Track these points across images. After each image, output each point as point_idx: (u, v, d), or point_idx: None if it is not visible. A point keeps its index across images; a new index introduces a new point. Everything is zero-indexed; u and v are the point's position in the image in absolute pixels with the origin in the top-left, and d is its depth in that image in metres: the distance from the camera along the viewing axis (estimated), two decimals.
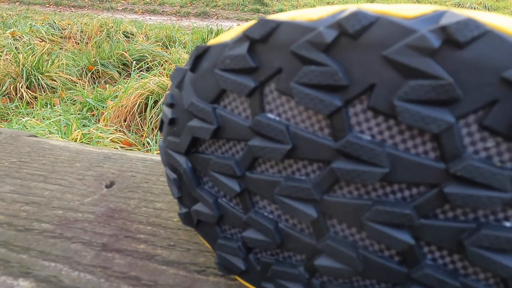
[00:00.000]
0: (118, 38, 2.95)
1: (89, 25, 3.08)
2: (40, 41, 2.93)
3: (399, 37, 0.11)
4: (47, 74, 2.44)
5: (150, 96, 2.01)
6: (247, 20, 4.21)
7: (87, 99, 2.31)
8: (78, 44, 2.98)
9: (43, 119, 2.01)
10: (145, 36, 3.09)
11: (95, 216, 0.23)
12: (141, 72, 2.30)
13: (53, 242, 0.21)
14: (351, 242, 0.14)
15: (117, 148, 1.76)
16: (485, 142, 0.11)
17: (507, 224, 0.12)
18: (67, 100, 2.39)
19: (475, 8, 3.95)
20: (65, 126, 1.86)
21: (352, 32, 0.11)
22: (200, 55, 0.15)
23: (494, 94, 0.10)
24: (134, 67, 2.41)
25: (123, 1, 4.78)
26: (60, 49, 2.89)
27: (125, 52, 2.56)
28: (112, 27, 3.03)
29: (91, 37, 2.97)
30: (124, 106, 2.04)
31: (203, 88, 0.15)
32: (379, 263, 0.14)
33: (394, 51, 0.11)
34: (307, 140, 0.13)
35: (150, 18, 4.17)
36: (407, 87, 0.11)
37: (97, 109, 2.26)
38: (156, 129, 1.99)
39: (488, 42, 0.10)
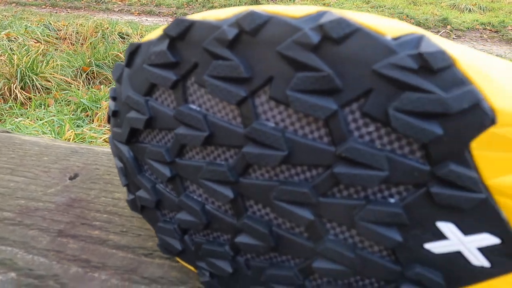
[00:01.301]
0: (113, 39, 2.97)
1: (84, 26, 3.09)
2: (35, 42, 2.93)
3: (288, 34, 0.12)
4: (41, 75, 2.45)
5: None
6: None
7: (81, 99, 2.32)
8: (73, 45, 2.99)
9: (37, 119, 2.01)
10: (141, 37, 3.10)
11: (55, 205, 0.24)
12: None
13: (12, 229, 0.22)
14: (266, 221, 0.15)
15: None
16: (367, 127, 0.13)
17: (392, 200, 0.13)
18: (62, 100, 2.39)
19: (470, 10, 3.97)
20: (59, 126, 1.87)
21: (249, 30, 0.13)
22: (133, 52, 0.16)
23: (368, 84, 0.12)
24: None
25: (119, 2, 4.79)
26: (55, 50, 2.90)
27: (120, 53, 2.57)
28: (108, 28, 3.04)
29: (86, 38, 2.98)
30: None
31: (137, 82, 0.16)
32: (290, 239, 0.15)
33: (284, 46, 0.12)
34: (222, 127, 0.14)
35: (146, 19, 4.18)
36: (296, 78, 0.12)
37: (91, 110, 2.27)
38: None
39: (359, 39, 0.12)
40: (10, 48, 2.54)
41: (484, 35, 3.48)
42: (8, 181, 0.26)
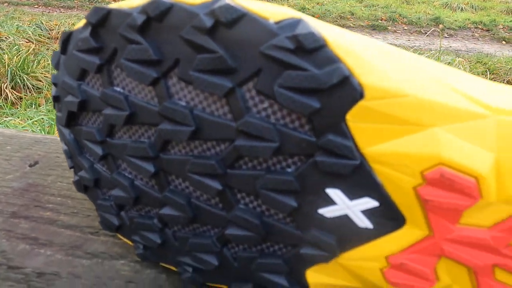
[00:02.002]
0: None
1: (76, 25, 3.09)
2: (26, 42, 2.93)
3: (188, 20, 0.14)
4: (32, 74, 2.45)
5: None
6: None
7: None
8: None
9: (27, 119, 2.02)
10: None
11: (11, 190, 0.25)
12: None
13: None
14: (186, 193, 0.17)
15: None
16: (263, 104, 0.14)
17: (289, 170, 0.15)
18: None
19: (462, 9, 4.00)
20: (49, 126, 1.87)
21: (154, 16, 0.14)
22: (65, 40, 0.18)
23: (258, 64, 0.13)
24: None
25: (112, 2, 4.78)
26: (47, 49, 2.89)
27: None
28: None
29: None
30: None
31: (71, 68, 0.18)
32: (207, 210, 0.16)
33: (185, 31, 0.14)
34: (141, 107, 0.16)
35: None
36: (197, 60, 0.14)
37: None
38: None
39: (246, 23, 0.13)
40: (1, 47, 2.53)
41: (476, 34, 3.51)
42: None
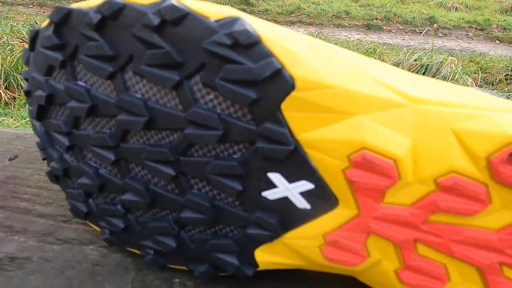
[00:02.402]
0: None
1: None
2: (20, 42, 2.93)
3: (138, 19, 0.15)
4: None
5: None
6: None
7: None
8: None
9: (21, 118, 2.02)
10: None
11: None
12: None
13: None
14: (145, 180, 0.18)
15: None
16: (209, 95, 0.15)
17: (235, 156, 0.16)
18: None
19: (456, 8, 4.03)
20: None
21: (108, 15, 0.15)
22: (33, 38, 0.19)
23: (202, 59, 0.15)
24: None
25: None
26: None
27: None
28: None
29: None
30: None
31: (39, 64, 0.19)
32: (164, 195, 0.18)
33: (137, 29, 0.15)
34: (102, 100, 0.17)
35: None
36: (147, 55, 0.15)
37: None
38: None
39: (190, 21, 0.14)
40: None
41: (470, 33, 3.54)
42: None
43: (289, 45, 0.14)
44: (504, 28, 3.43)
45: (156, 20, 0.15)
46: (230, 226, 0.18)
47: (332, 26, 3.87)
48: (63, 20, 0.17)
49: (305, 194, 0.16)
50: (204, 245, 0.18)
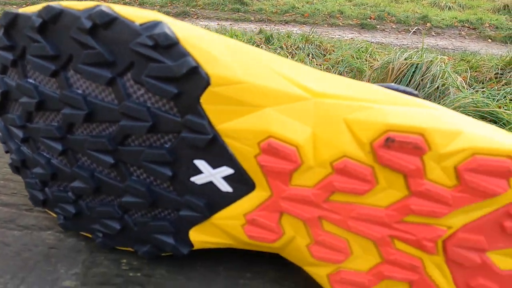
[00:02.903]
0: None
1: None
2: None
3: (74, 23, 0.17)
4: None
5: None
6: (227, 19, 4.25)
7: None
8: None
9: None
10: None
11: None
12: None
13: None
14: (90, 168, 0.20)
15: None
16: (140, 91, 0.17)
17: (166, 145, 0.18)
18: None
19: (450, 8, 4.06)
20: None
21: (47, 19, 0.17)
22: None
23: (130, 58, 0.17)
24: None
25: (102, 2, 4.78)
26: None
27: None
28: None
29: None
30: None
31: None
32: (108, 182, 0.20)
33: (72, 32, 0.17)
34: (48, 95, 0.19)
35: None
36: (83, 55, 0.17)
37: None
38: None
39: (118, 25, 0.16)
40: None
41: (463, 32, 3.57)
42: None
43: (204, 45, 0.16)
44: (496, 27, 3.46)
45: (88, 24, 0.16)
46: (167, 209, 0.19)
47: (326, 25, 3.89)
48: (11, 24, 0.19)
49: (227, 179, 0.18)
50: (145, 227, 0.20)
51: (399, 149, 0.14)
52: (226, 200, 0.18)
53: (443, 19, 3.73)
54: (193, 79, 0.16)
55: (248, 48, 0.17)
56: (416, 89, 2.08)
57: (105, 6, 0.17)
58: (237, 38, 2.87)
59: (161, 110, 0.17)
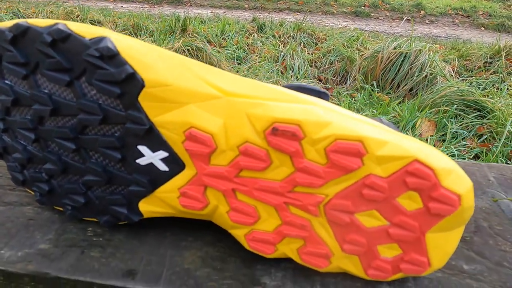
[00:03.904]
0: None
1: (55, 13, 3.08)
2: None
3: (38, 37, 0.21)
4: None
5: None
6: (220, 7, 4.25)
7: None
8: None
9: None
10: (114, 24, 3.12)
11: None
12: None
13: None
14: (58, 153, 0.25)
15: None
16: (92, 91, 0.22)
17: (116, 134, 0.23)
18: None
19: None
20: None
21: (17, 33, 0.22)
22: None
23: (83, 66, 0.21)
24: None
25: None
26: None
27: None
28: (79, 15, 3.05)
29: None
30: None
31: None
32: (72, 164, 0.24)
33: (37, 44, 0.22)
34: (20, 94, 0.24)
35: (121, 6, 4.19)
36: (46, 63, 0.22)
37: None
38: None
39: (72, 39, 0.21)
40: None
41: (456, 20, 3.59)
42: None
43: (139, 55, 0.21)
44: (490, 15, 3.48)
45: (49, 39, 0.21)
46: (120, 185, 0.24)
47: (320, 13, 3.90)
48: None
49: (163, 160, 0.22)
50: (104, 201, 0.25)
51: (283, 136, 0.19)
52: (164, 177, 0.23)
53: (437, 6, 3.75)
54: (131, 82, 0.21)
55: (176, 56, 0.22)
56: (404, 78, 2.12)
57: (62, 24, 0.21)
58: (230, 27, 2.89)
59: (109, 106, 0.22)
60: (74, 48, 0.21)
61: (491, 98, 1.86)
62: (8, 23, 0.23)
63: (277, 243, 0.22)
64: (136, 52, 0.21)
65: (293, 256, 0.22)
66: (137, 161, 0.23)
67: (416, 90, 2.09)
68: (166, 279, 0.23)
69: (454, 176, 0.19)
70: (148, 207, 0.24)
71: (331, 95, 2.20)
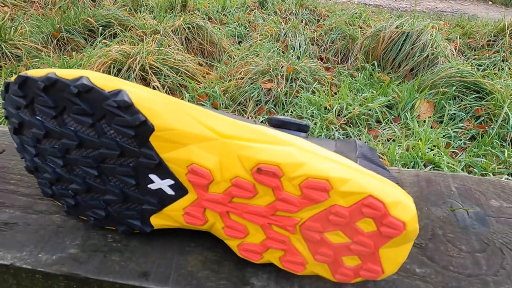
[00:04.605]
0: (84, 3, 2.96)
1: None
2: (2, 6, 2.92)
3: (65, 88, 0.26)
4: (10, 42, 2.48)
5: (113, 65, 2.11)
6: None
7: (53, 67, 2.39)
8: (43, 8, 2.98)
9: None
10: (113, 0, 3.09)
11: None
12: (105, 41, 2.37)
13: None
14: (83, 176, 0.30)
15: None
16: (111, 130, 0.27)
17: (131, 165, 0.28)
18: (33, 68, 2.46)
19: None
20: None
21: (47, 84, 0.26)
22: (6, 86, 0.30)
23: (103, 112, 0.26)
24: (100, 33, 2.46)
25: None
26: (24, 14, 2.89)
27: (91, 17, 2.60)
28: None
29: (55, 2, 2.96)
30: None
31: (11, 103, 0.30)
32: (94, 185, 0.30)
33: (65, 94, 0.26)
34: (51, 129, 0.29)
35: None
36: (73, 108, 0.27)
37: None
38: None
39: (94, 91, 0.26)
40: None
41: None
42: None
43: (150, 105, 0.26)
44: None
45: (75, 90, 0.26)
46: (134, 203, 0.30)
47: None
48: (23, 83, 0.28)
49: (170, 186, 0.28)
50: (121, 214, 0.31)
51: (266, 174, 0.24)
52: (171, 199, 0.28)
53: None
54: (144, 127, 0.26)
55: (181, 104, 0.26)
56: (405, 58, 2.13)
57: (85, 78, 0.26)
58: (231, 2, 2.86)
59: (125, 143, 0.27)
60: (96, 98, 0.26)
61: (490, 79, 1.88)
62: (40, 72, 0.28)
63: (262, 252, 0.28)
64: (147, 102, 0.26)
65: (276, 262, 0.28)
66: (149, 186, 0.28)
67: (417, 71, 2.11)
68: (174, 280, 0.29)
69: (401, 206, 0.24)
70: (158, 221, 0.30)
71: (332, 75, 2.22)
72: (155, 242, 0.32)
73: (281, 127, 0.30)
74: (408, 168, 1.53)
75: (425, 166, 1.50)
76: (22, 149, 0.33)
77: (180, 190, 0.28)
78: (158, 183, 0.28)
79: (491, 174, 1.51)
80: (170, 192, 0.28)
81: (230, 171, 0.26)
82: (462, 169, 1.55)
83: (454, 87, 1.84)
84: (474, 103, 1.83)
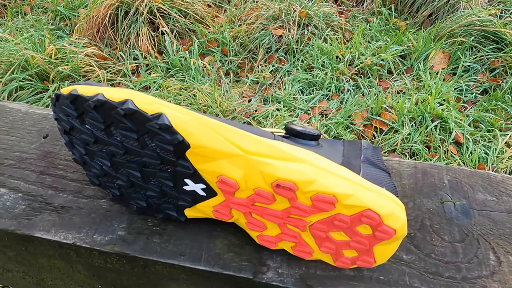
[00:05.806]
0: None
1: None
2: None
3: (113, 109, 0.31)
4: None
5: (120, 7, 2.06)
6: None
7: (58, 7, 2.35)
8: None
9: (16, 31, 2.10)
10: None
11: (36, 155, 0.45)
12: None
13: (15, 170, 0.43)
14: (127, 174, 0.36)
15: (92, 65, 1.89)
16: (153, 143, 0.32)
17: (169, 170, 0.34)
18: (38, 8, 2.42)
19: None
20: (39, 39, 1.96)
21: (98, 104, 0.31)
22: (57, 97, 0.35)
23: (146, 130, 0.31)
24: None
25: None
26: None
27: None
28: None
29: None
30: (95, 17, 2.11)
31: (62, 111, 0.35)
32: (137, 182, 0.36)
33: (113, 113, 0.31)
34: (99, 137, 0.34)
35: None
36: (119, 125, 0.32)
37: (70, 19, 2.32)
38: (129, 41, 2.10)
39: (139, 114, 0.30)
40: None
41: None
42: (7, 139, 0.46)
43: (186, 127, 0.30)
44: None
45: (122, 112, 0.31)
46: (171, 199, 0.36)
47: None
48: (74, 99, 0.32)
49: (203, 189, 0.34)
50: (160, 206, 0.37)
51: (283, 188, 0.30)
52: (203, 199, 0.34)
53: None
54: (181, 145, 0.31)
55: (212, 124, 0.31)
56: (424, 2, 2.04)
57: (131, 102, 0.30)
58: None
59: (165, 155, 0.32)
60: (140, 119, 0.31)
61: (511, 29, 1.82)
62: (89, 90, 0.32)
63: (277, 242, 0.34)
64: (184, 124, 0.30)
65: (288, 250, 0.35)
66: (184, 187, 0.34)
67: (436, 17, 2.03)
68: (205, 260, 0.36)
69: (393, 217, 0.30)
70: (191, 213, 0.36)
71: (346, 19, 2.15)
72: (187, 227, 0.39)
73: (296, 136, 0.34)
74: (415, 122, 1.57)
75: (432, 121, 1.53)
76: (71, 147, 0.38)
77: (210, 193, 0.34)
78: (192, 186, 0.34)
79: (497, 130, 1.55)
80: (202, 193, 0.34)
81: (253, 183, 0.31)
82: (469, 124, 1.58)
83: (472, 37, 1.80)
84: (491, 55, 1.80)
